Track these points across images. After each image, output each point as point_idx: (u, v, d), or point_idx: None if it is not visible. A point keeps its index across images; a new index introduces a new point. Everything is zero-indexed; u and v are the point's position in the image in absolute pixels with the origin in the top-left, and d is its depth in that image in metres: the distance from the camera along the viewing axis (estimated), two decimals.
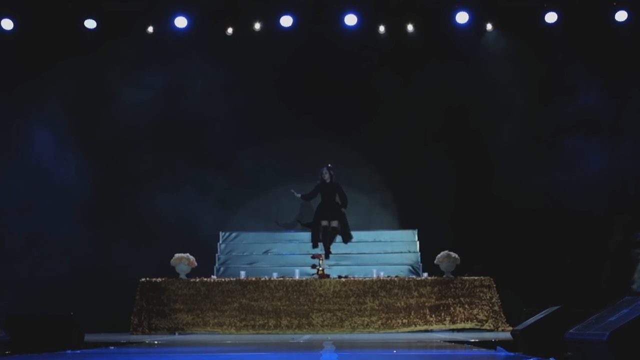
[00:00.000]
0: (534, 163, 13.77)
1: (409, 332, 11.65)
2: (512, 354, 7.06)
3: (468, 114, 14.06)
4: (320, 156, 13.94)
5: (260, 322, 11.77)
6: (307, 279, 12.06)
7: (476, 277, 11.95)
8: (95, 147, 13.82)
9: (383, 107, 14.12)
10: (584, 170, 13.45)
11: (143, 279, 11.94)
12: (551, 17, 13.68)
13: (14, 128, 13.83)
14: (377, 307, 11.80)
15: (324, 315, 11.77)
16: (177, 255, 12.20)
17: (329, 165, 13.25)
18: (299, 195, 13.40)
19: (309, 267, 12.46)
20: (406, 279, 12.05)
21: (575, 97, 13.51)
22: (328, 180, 13.26)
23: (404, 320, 11.75)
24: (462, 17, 13.75)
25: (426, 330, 11.70)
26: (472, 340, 8.97)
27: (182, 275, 12.13)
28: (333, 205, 13.29)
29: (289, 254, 13.66)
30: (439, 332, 11.57)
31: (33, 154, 13.62)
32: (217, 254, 13.67)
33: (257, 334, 11.62)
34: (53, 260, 13.13)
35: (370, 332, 11.65)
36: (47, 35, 13.59)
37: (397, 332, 11.64)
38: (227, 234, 13.99)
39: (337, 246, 13.61)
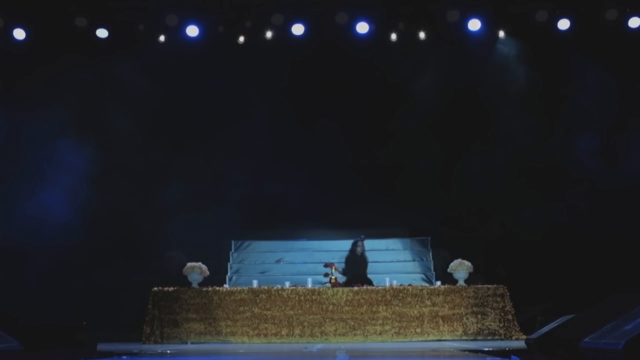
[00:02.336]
0: (550, 169, 13.73)
1: (422, 341, 11.61)
2: None
3: (483, 121, 14.02)
4: (333, 163, 13.95)
5: (272, 331, 11.75)
6: (319, 288, 12.03)
7: (489, 286, 11.90)
8: (108, 154, 13.82)
9: (395, 113, 14.10)
10: (600, 177, 13.41)
11: (155, 288, 11.93)
12: (564, 24, 13.61)
13: (22, 137, 13.85)
14: (390, 316, 11.76)
15: (337, 324, 11.74)
16: (189, 264, 12.19)
17: (362, 236, 12.83)
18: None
19: (322, 276, 12.44)
20: (419, 288, 12.01)
21: (589, 100, 13.49)
22: (359, 253, 12.80)
23: (417, 329, 11.71)
24: (474, 25, 13.68)
25: (439, 339, 11.65)
26: (486, 349, 8.92)
27: (195, 284, 12.12)
28: (364, 281, 12.53)
29: (301, 263, 13.63)
30: (452, 341, 11.51)
31: (45, 163, 13.64)
32: (229, 263, 13.66)
33: (270, 343, 11.60)
34: (66, 269, 13.14)
35: (383, 341, 11.61)
36: (59, 45, 13.61)
37: (410, 341, 11.60)
38: (240, 242, 13.99)
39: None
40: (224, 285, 12.54)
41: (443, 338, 11.67)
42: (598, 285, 12.15)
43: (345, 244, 13.78)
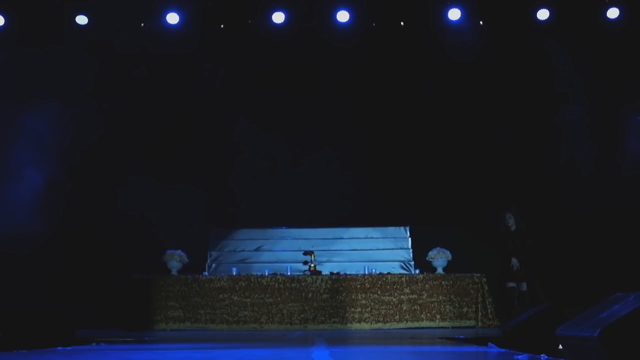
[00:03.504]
0: (545, 162, 13.73)
1: (400, 328, 11.68)
2: (503, 350, 7.07)
3: (465, 112, 13.99)
4: (313, 151, 13.94)
5: (252, 318, 11.78)
6: (299, 276, 12.07)
7: (467, 274, 11.99)
8: (92, 141, 13.69)
9: (379, 104, 14.08)
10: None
11: (135, 276, 11.92)
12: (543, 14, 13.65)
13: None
14: (368, 304, 11.82)
15: (316, 312, 11.79)
16: (168, 251, 12.19)
17: (512, 207, 12.22)
18: None
19: (301, 264, 12.47)
20: (398, 276, 12.07)
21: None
22: (512, 228, 11.96)
23: (396, 317, 11.78)
24: (458, 16, 13.64)
25: (417, 327, 11.72)
26: (464, 337, 8.98)
27: (174, 272, 12.13)
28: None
29: (281, 251, 13.64)
30: (430, 329, 11.59)
31: (34, 152, 13.52)
32: (208, 251, 13.63)
33: (249, 330, 11.63)
34: (45, 256, 13.06)
35: (361, 329, 11.67)
36: (41, 32, 13.48)
37: (389, 329, 11.67)
38: (219, 230, 13.95)
39: (329, 243, 13.63)
40: (204, 273, 12.55)
41: (421, 325, 11.75)
42: (603, 285, 11.94)
43: (324, 232, 13.83)
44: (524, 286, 11.80)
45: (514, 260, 11.75)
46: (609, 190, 13.36)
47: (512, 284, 11.82)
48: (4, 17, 13.53)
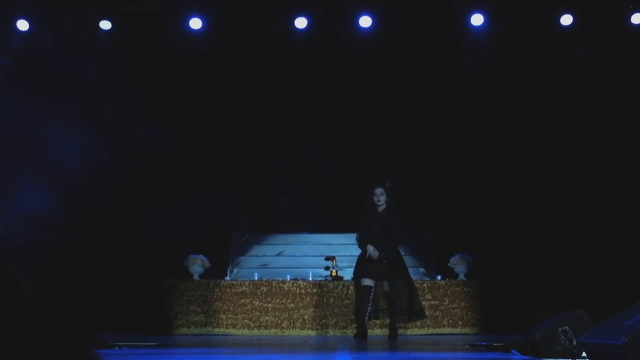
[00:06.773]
0: (555, 164, 13.64)
1: (422, 334, 11.64)
2: (526, 357, 7.03)
3: (488, 113, 13.92)
4: (334, 156, 13.93)
5: (273, 323, 11.79)
6: (320, 281, 12.06)
7: (489, 281, 11.94)
8: (111, 146, 13.72)
9: (399, 109, 14.06)
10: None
11: (157, 280, 11.96)
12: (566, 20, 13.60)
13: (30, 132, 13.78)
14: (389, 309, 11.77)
15: (337, 317, 11.78)
16: (190, 256, 12.23)
17: (387, 181, 10.59)
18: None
19: (323, 269, 12.47)
20: (419, 282, 12.02)
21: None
22: (379, 207, 10.22)
23: (417, 323, 11.73)
24: (481, 22, 13.59)
25: (439, 333, 11.68)
26: (486, 343, 8.94)
27: (196, 277, 12.16)
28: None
29: (302, 256, 13.64)
30: (452, 335, 11.54)
31: (50, 155, 13.56)
32: (229, 256, 13.65)
33: (271, 335, 11.63)
34: (67, 260, 13.11)
35: (382, 334, 11.63)
36: (63, 36, 13.57)
37: (410, 335, 11.63)
38: (240, 235, 13.97)
39: (350, 248, 13.59)
40: (225, 277, 12.58)
41: (443, 332, 11.71)
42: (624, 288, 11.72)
43: (346, 238, 13.80)
44: (386, 286, 9.86)
45: (370, 248, 9.75)
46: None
47: (368, 282, 9.78)
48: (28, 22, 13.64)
